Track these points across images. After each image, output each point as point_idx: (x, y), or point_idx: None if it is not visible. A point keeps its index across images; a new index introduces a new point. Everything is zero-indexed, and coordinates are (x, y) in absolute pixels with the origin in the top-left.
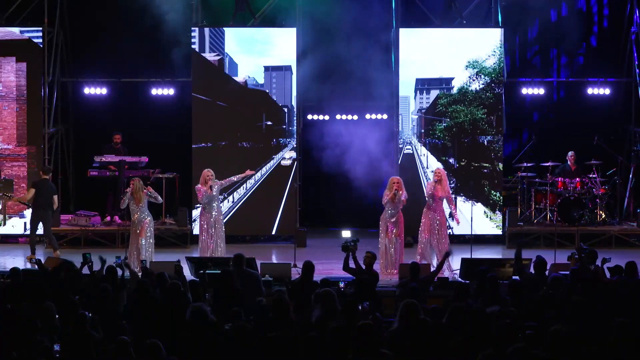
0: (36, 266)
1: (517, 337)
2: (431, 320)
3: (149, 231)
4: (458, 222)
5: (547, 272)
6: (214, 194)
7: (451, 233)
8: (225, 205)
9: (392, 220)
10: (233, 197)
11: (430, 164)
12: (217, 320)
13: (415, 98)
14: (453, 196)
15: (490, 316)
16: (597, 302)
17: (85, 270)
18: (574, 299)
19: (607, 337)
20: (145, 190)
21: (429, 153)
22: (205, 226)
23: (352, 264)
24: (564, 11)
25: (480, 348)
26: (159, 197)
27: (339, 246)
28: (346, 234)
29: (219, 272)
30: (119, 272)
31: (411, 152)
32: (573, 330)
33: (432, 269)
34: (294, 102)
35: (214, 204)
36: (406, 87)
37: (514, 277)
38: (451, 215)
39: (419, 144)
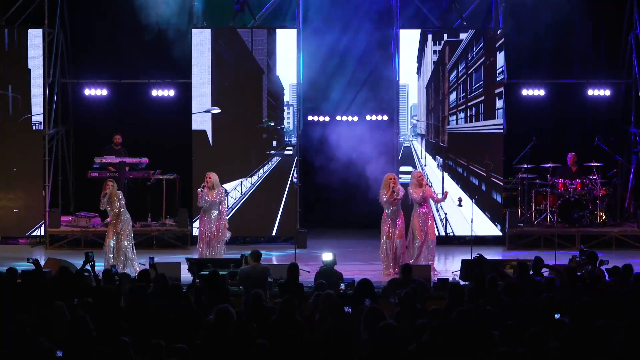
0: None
1: (517, 338)
2: (432, 321)
3: (130, 234)
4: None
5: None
6: (214, 200)
7: (452, 234)
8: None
9: (392, 220)
10: (235, 196)
11: (427, 162)
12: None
13: (424, 49)
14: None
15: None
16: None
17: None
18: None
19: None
20: (119, 192)
21: (423, 149)
22: (202, 233)
23: None
24: (564, 12)
25: (480, 349)
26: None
27: (340, 247)
28: (327, 256)
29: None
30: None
31: (409, 146)
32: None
33: (432, 271)
34: (283, 80)
35: (213, 212)
36: (405, 78)
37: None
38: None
39: (421, 146)
